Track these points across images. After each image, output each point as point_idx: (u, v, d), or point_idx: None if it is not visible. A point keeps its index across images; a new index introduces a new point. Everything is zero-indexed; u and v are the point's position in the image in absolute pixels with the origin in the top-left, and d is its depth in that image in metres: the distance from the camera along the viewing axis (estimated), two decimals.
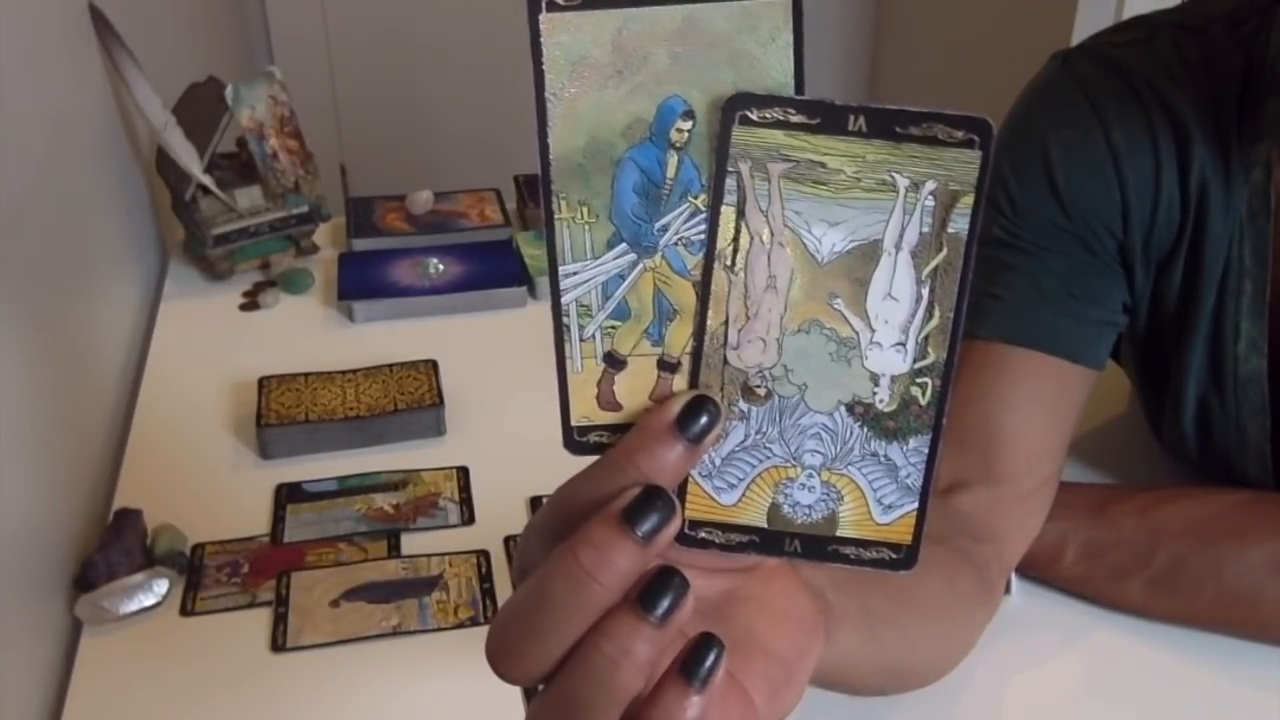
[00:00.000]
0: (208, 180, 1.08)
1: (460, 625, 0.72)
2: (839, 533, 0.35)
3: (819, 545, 0.35)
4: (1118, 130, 0.67)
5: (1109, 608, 0.74)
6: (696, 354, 0.34)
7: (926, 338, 0.33)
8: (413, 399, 0.91)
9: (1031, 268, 0.69)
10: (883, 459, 0.34)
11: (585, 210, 0.34)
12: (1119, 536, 0.72)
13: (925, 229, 0.31)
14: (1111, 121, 0.68)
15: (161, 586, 0.74)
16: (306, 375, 0.94)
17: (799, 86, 0.31)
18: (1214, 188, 0.67)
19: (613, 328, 0.35)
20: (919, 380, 0.33)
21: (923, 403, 0.33)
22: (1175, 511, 0.72)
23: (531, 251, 1.16)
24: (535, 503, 0.83)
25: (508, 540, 0.80)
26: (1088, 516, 0.73)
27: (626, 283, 0.34)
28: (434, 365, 0.95)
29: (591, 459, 0.36)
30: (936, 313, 0.32)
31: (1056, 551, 0.73)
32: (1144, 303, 0.72)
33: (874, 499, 0.34)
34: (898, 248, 0.32)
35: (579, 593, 0.32)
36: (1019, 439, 0.68)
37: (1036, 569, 0.74)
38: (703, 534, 0.35)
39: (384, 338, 1.04)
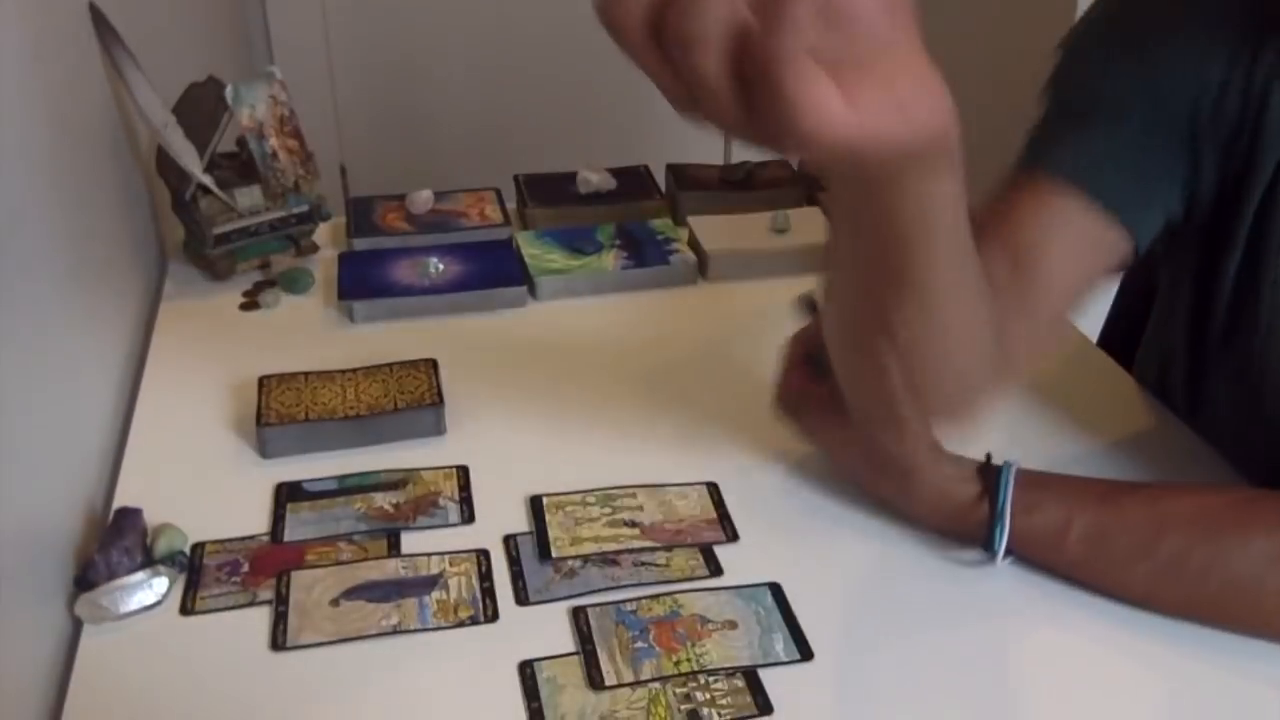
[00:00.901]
0: (208, 180, 1.08)
1: (460, 624, 0.72)
2: None
3: None
4: (1198, 17, 0.74)
5: (1111, 596, 0.74)
6: None
7: None
8: (412, 398, 0.91)
9: (1107, 128, 0.75)
10: None
11: None
12: (1125, 523, 0.73)
13: None
14: (1193, 8, 0.74)
15: (161, 586, 0.74)
16: (306, 375, 0.94)
17: None
18: (1276, 90, 0.72)
19: None
20: None
21: None
22: (1182, 501, 0.74)
23: (531, 251, 1.16)
24: (535, 502, 0.83)
25: (508, 539, 0.80)
26: (1094, 502, 0.74)
27: None
28: (434, 365, 0.95)
29: None
30: None
31: (1060, 533, 0.74)
32: (1202, 194, 0.76)
33: None
34: None
35: None
36: (1051, 270, 0.74)
37: (1038, 550, 0.75)
38: None
39: (384, 337, 1.04)
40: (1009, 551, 0.76)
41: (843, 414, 0.75)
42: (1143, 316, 1.04)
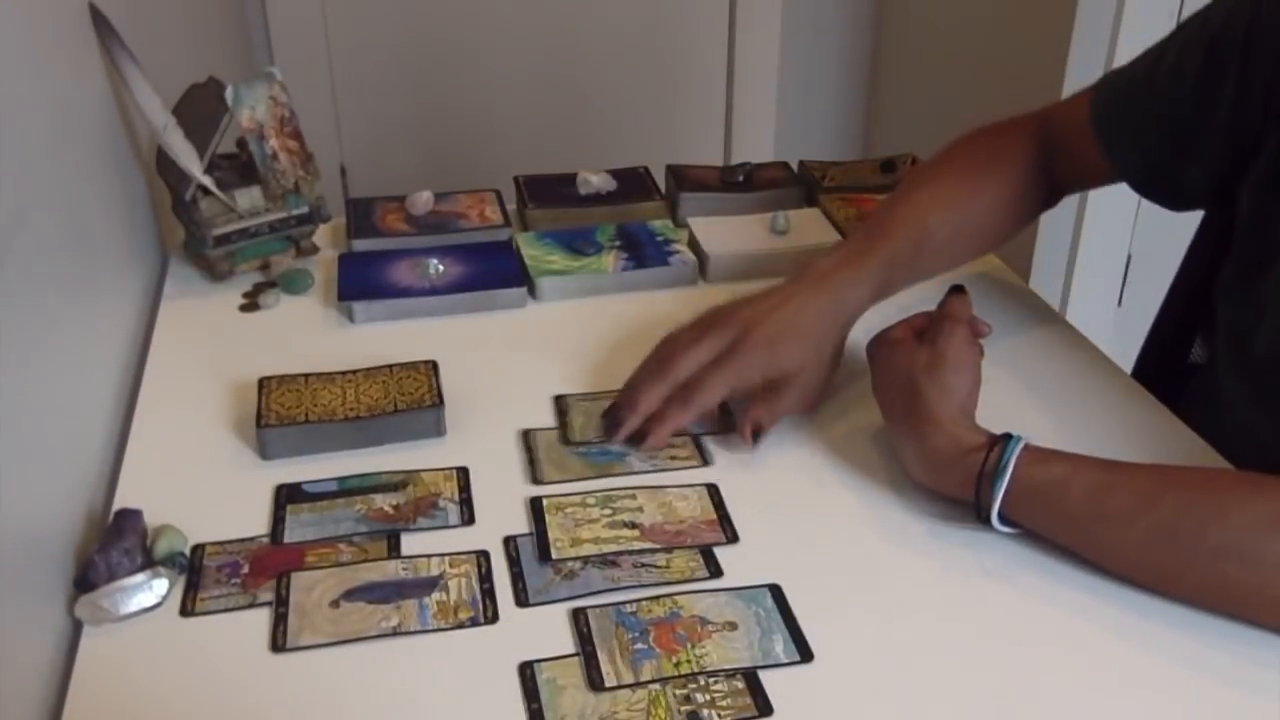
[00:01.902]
0: (208, 181, 1.08)
1: (460, 626, 0.72)
2: None
3: None
4: None
5: (1107, 562, 0.75)
6: None
7: None
8: (413, 399, 0.91)
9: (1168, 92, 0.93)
10: None
11: None
12: (1129, 481, 0.74)
13: None
14: None
15: (161, 587, 0.74)
16: (306, 376, 0.94)
17: None
18: None
19: None
20: None
21: None
22: (1188, 471, 0.77)
23: (531, 252, 1.16)
24: (535, 503, 0.83)
25: (507, 540, 0.80)
26: (1100, 465, 0.76)
27: None
28: (434, 365, 0.95)
29: None
30: None
31: (1064, 485, 0.75)
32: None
33: None
34: None
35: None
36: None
37: (1039, 501, 0.76)
38: None
39: (384, 338, 1.04)
40: (1008, 521, 0.77)
41: (903, 360, 0.85)
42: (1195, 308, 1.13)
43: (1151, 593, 0.74)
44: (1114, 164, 0.99)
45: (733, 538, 0.80)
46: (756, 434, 0.87)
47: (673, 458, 0.88)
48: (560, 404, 0.94)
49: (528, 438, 0.90)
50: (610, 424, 0.88)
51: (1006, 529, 0.78)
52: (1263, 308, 0.86)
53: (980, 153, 1.04)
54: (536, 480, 0.86)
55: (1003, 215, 1.03)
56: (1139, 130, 0.96)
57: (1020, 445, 0.77)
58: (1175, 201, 1.01)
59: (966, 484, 0.78)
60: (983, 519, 0.78)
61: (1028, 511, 0.77)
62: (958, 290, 0.88)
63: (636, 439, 0.87)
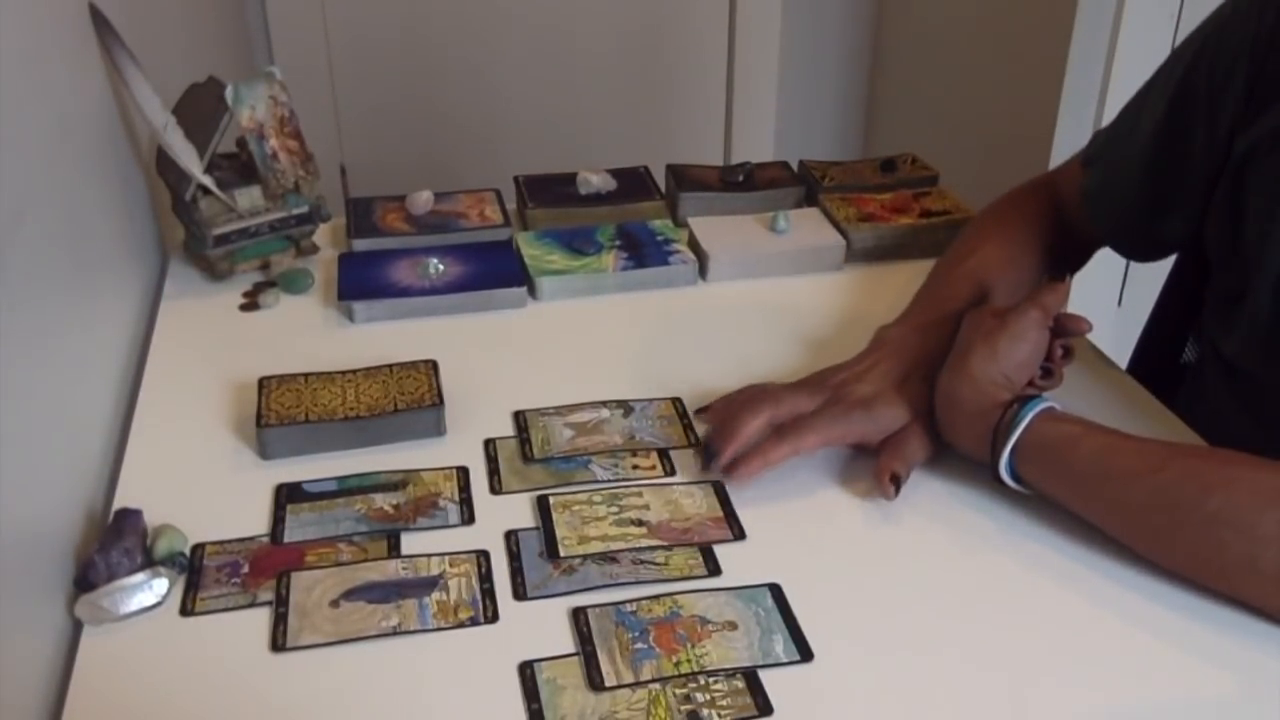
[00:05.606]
0: (208, 180, 1.08)
1: (460, 625, 0.72)
2: None
3: None
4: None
5: (1103, 519, 0.77)
6: None
7: None
8: (413, 399, 0.91)
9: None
10: None
11: None
12: (1140, 446, 0.76)
13: None
14: None
15: (161, 586, 0.74)
16: (306, 375, 0.94)
17: None
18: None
19: None
20: None
21: None
22: (1201, 445, 0.80)
23: (531, 252, 1.16)
24: (541, 501, 0.83)
25: (509, 535, 0.80)
26: (1115, 431, 0.78)
27: None
28: (434, 365, 0.95)
29: None
30: None
31: (1073, 442, 0.77)
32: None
33: None
34: None
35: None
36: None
37: (1048, 458, 0.78)
38: None
39: (384, 338, 1.04)
40: (1017, 478, 0.79)
41: (973, 322, 0.88)
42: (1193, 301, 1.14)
43: (1145, 561, 0.75)
44: (1100, 235, 1.04)
45: (740, 534, 0.80)
46: (896, 484, 0.83)
47: (635, 467, 0.87)
48: (520, 419, 0.92)
49: (489, 447, 0.89)
50: (708, 455, 0.85)
51: (1015, 485, 0.80)
52: (1234, 329, 0.90)
53: (1014, 217, 1.06)
54: (495, 491, 0.85)
55: (1045, 274, 1.05)
56: (1120, 200, 1.00)
57: (1041, 405, 0.79)
58: (1153, 256, 1.05)
59: (983, 439, 0.81)
60: (993, 472, 0.80)
61: (1036, 467, 0.79)
62: (1055, 279, 0.90)
63: (730, 468, 0.84)
